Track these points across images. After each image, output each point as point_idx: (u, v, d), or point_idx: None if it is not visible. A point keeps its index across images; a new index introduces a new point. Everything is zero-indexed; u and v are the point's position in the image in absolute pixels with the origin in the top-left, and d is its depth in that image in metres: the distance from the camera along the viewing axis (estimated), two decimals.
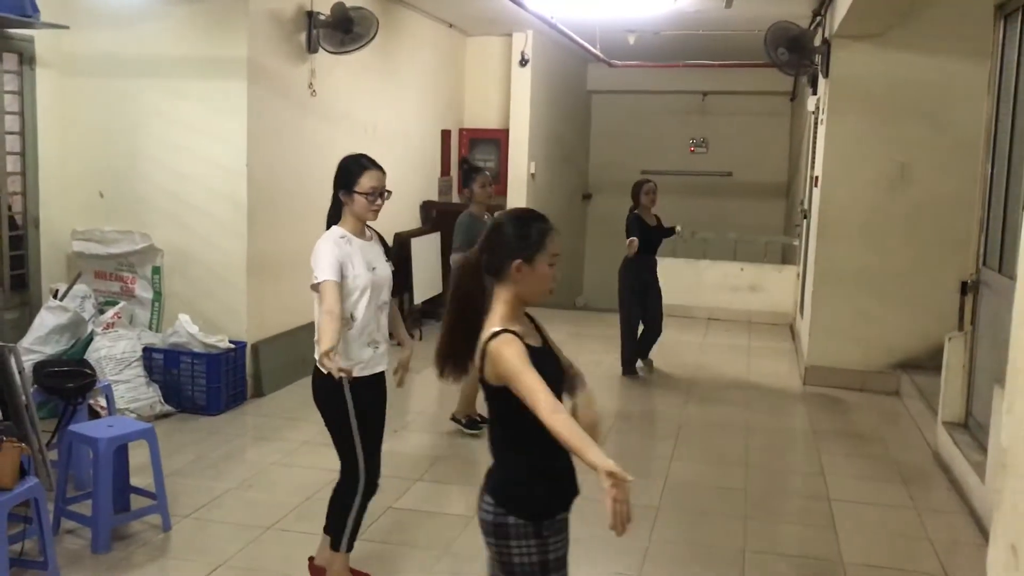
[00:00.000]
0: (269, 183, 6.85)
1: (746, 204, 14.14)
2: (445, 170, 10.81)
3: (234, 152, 6.58)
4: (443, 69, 10.60)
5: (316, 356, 3.62)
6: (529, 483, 2.58)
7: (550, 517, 2.58)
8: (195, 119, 6.64)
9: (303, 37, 7.20)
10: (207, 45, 6.57)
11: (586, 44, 9.98)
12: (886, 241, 7.49)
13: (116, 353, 6.16)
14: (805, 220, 9.43)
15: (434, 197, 10.45)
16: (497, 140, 11.25)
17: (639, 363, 7.88)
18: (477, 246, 2.64)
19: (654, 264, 7.81)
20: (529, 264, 2.53)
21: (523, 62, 10.95)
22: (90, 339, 6.17)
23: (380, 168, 3.76)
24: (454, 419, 6.23)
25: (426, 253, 9.51)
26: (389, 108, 9.05)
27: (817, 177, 8.10)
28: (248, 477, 5.29)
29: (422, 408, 7.28)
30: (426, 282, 9.49)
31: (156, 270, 6.79)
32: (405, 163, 9.58)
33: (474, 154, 11.26)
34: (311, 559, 4.01)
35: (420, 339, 9.06)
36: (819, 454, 6.07)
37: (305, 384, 5.69)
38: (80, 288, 6.38)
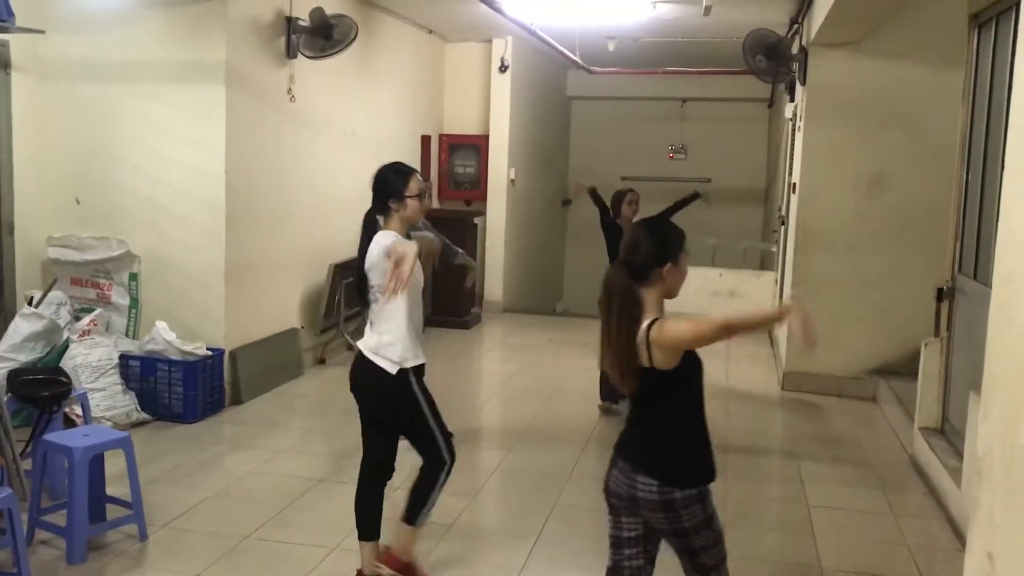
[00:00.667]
0: (248, 189, 6.81)
1: (725, 210, 14.16)
2: (425, 176, 10.78)
3: (212, 157, 6.54)
4: (423, 75, 10.60)
5: (382, 348, 3.86)
6: (691, 460, 2.96)
7: (706, 484, 2.99)
8: (173, 124, 6.59)
9: (282, 42, 7.18)
10: (185, 50, 6.53)
11: (565, 51, 10.00)
12: (863, 247, 7.54)
13: (92, 361, 6.10)
14: (783, 226, 9.48)
15: None
16: (477, 146, 11.25)
17: (616, 404, 6.73)
18: (619, 262, 2.99)
19: None
20: (676, 264, 2.93)
21: (503, 68, 10.97)
22: (65, 346, 6.12)
23: (417, 171, 4.07)
24: None
25: None
26: (369, 114, 9.03)
27: (795, 184, 8.15)
28: (226, 486, 5.24)
29: None
30: None
31: (133, 276, 6.74)
32: None
33: (454, 159, 11.26)
34: (387, 548, 4.08)
35: None
36: (797, 460, 6.10)
37: (283, 391, 5.70)
38: (55, 295, 6.32)
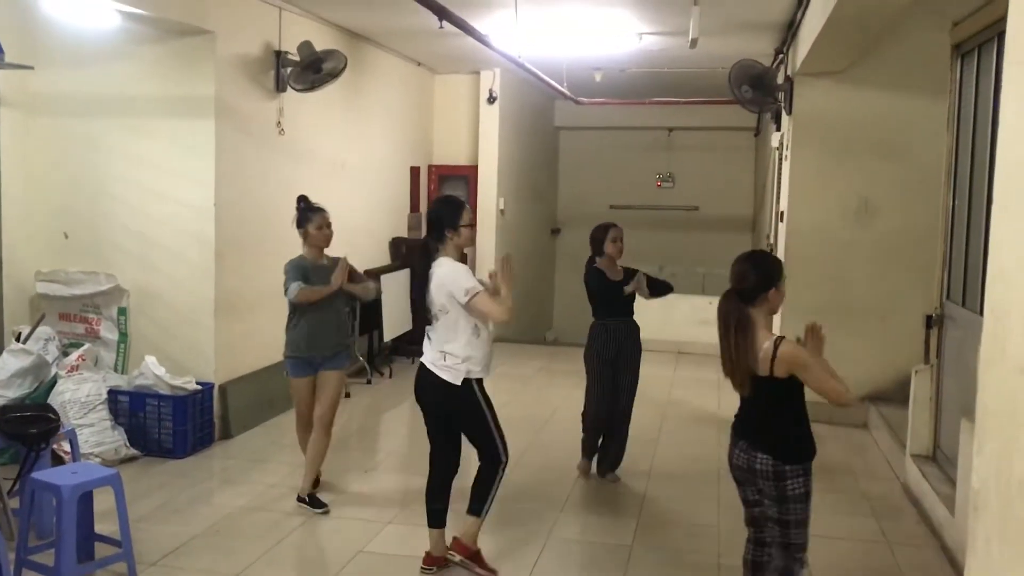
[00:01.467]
0: (237, 222, 6.81)
1: (713, 238, 14.27)
2: (414, 207, 10.82)
3: (201, 191, 6.54)
4: (412, 106, 10.65)
5: (450, 362, 4.40)
6: (796, 442, 3.68)
7: (808, 461, 3.69)
8: (162, 159, 6.60)
9: (271, 76, 7.21)
10: (174, 84, 6.55)
11: (553, 82, 10.06)
12: (851, 274, 7.58)
13: (80, 396, 6.06)
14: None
15: (403, 234, 10.45)
16: (466, 176, 11.29)
17: (608, 473, 6.17)
18: (729, 291, 3.71)
19: (629, 330, 6.04)
20: (777, 289, 3.68)
21: (491, 99, 11.04)
22: (54, 382, 6.07)
23: (467, 203, 4.60)
24: (301, 500, 5.49)
25: (396, 290, 9.49)
26: (358, 145, 9.06)
27: (782, 212, 8.20)
28: (216, 522, 5.19)
29: (392, 448, 7.22)
30: (396, 319, 9.46)
31: (122, 311, 6.71)
32: (374, 200, 9.59)
33: (443, 190, 11.29)
34: (456, 538, 4.66)
35: (391, 376, 9.01)
36: None
37: (273, 424, 5.67)
38: (44, 330, 6.28)
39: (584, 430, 6.23)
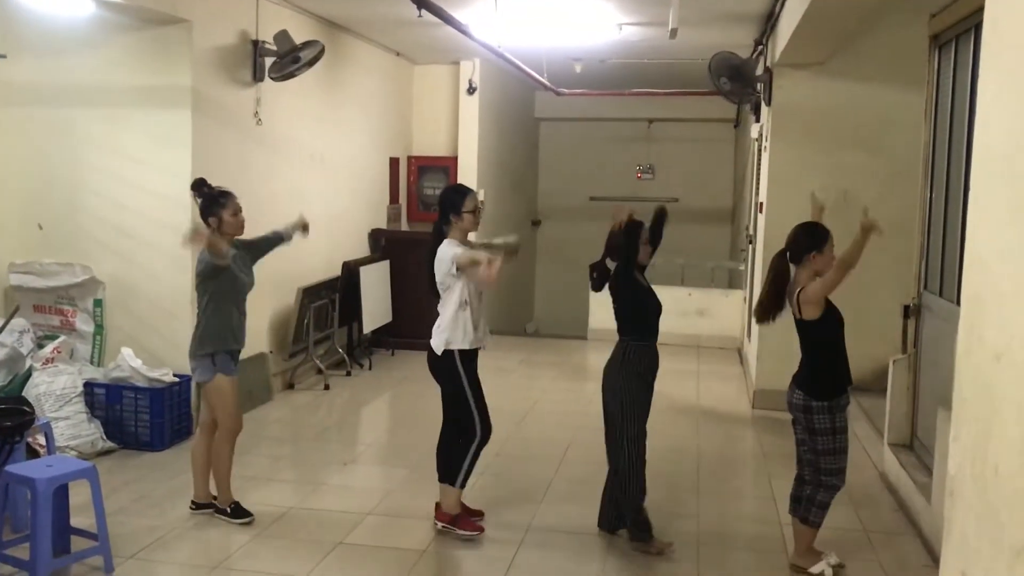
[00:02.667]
0: None
1: (693, 230, 14.28)
2: (394, 198, 10.78)
3: (178, 182, 6.46)
4: (391, 97, 10.60)
5: (436, 333, 4.81)
6: (825, 381, 4.36)
7: (835, 398, 4.37)
8: (138, 149, 6.54)
9: (248, 65, 7.14)
10: (150, 74, 6.48)
11: (533, 72, 10.04)
12: None
13: (56, 389, 6.00)
14: (751, 245, 9.56)
15: (383, 225, 10.40)
16: (446, 167, 11.25)
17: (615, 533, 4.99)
18: (781, 251, 4.53)
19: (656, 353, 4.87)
20: (820, 253, 4.40)
21: (471, 90, 11.00)
22: (28, 375, 6.01)
23: (474, 191, 4.94)
24: (218, 510, 5.11)
25: (376, 282, 9.45)
26: (336, 136, 9.00)
27: (762, 203, 8.22)
28: (193, 514, 5.16)
29: (372, 440, 7.20)
30: (376, 311, 9.42)
31: (98, 303, 6.64)
32: (353, 191, 9.54)
33: (423, 181, 11.25)
34: (438, 504, 4.99)
35: (371, 368, 8.98)
36: (769, 478, 6.11)
37: (251, 417, 5.64)
38: (18, 322, 6.21)
39: (628, 472, 4.76)
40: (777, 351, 7.70)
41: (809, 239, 4.42)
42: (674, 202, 14.56)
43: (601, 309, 10.82)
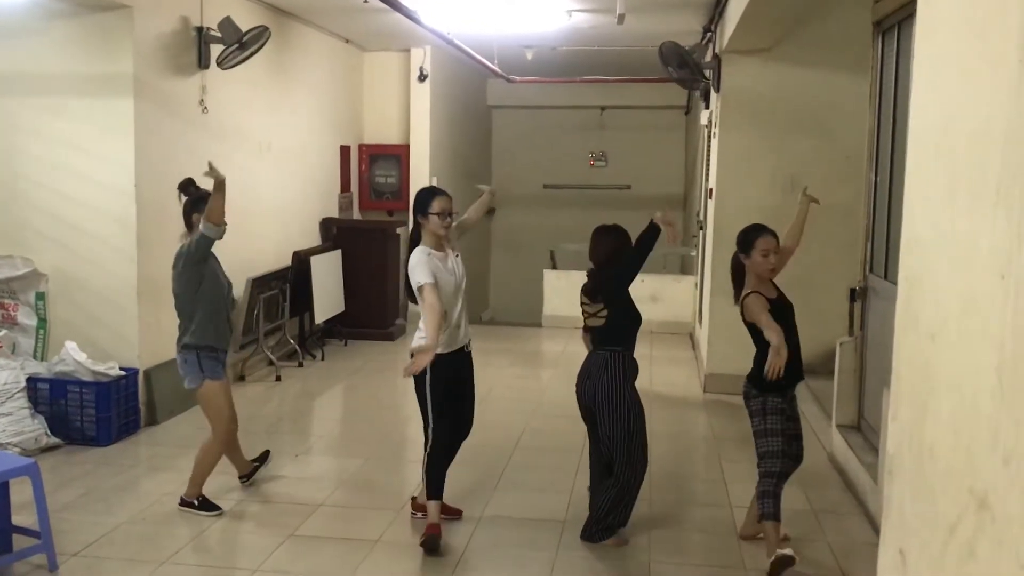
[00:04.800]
0: (160, 203, 6.61)
1: (645, 216, 14.27)
2: (345, 187, 10.68)
3: (121, 172, 6.36)
4: (341, 85, 10.48)
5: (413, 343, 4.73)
6: (762, 373, 4.34)
7: (768, 393, 4.48)
8: (78, 138, 6.39)
9: (192, 53, 7.01)
10: (90, 62, 6.33)
11: (484, 60, 10.00)
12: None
13: None
14: (702, 231, 9.63)
15: (334, 214, 10.30)
16: (398, 156, 11.17)
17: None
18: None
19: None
20: (748, 256, 4.52)
21: (422, 77, 10.91)
22: None
23: (447, 195, 4.81)
24: (184, 503, 5.07)
25: (327, 271, 9.37)
26: (285, 124, 8.89)
27: (711, 189, 8.28)
28: (141, 510, 5.07)
29: (324, 431, 7.15)
30: (328, 301, 9.34)
31: (40, 296, 6.50)
32: (303, 180, 9.43)
33: (375, 170, 11.16)
34: (413, 498, 5.06)
35: (323, 359, 8.90)
36: (720, 461, 6.17)
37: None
38: None
39: (623, 489, 4.74)
40: (728, 336, 7.78)
41: (740, 243, 4.59)
42: (626, 189, 14.67)
43: (556, 297, 10.87)
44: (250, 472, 5.43)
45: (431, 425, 4.72)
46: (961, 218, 1.62)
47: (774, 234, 4.56)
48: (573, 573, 4.46)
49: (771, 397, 4.46)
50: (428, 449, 4.76)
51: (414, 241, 4.80)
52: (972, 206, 1.55)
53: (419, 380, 4.66)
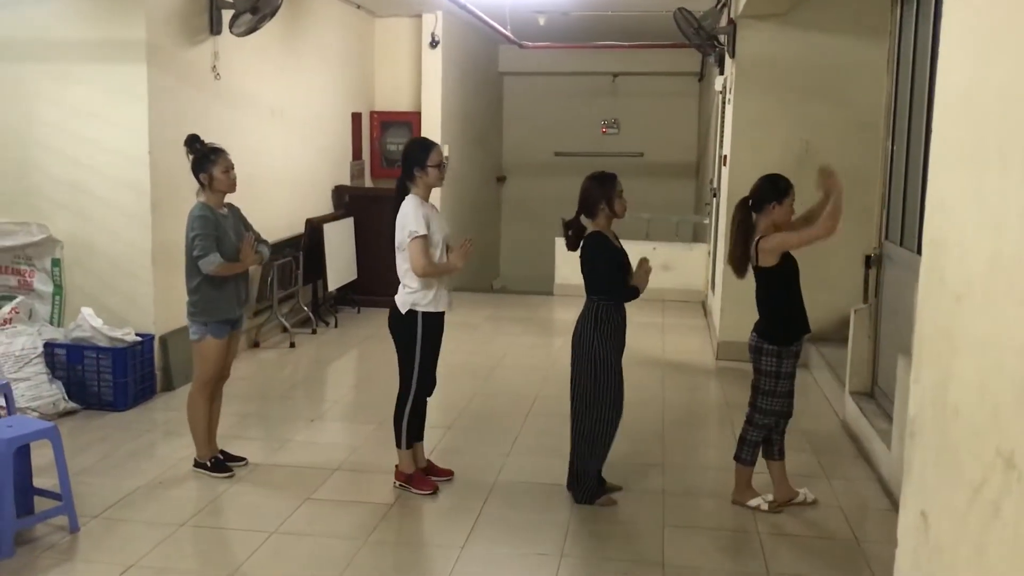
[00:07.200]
0: (173, 170, 6.59)
1: (657, 184, 14.30)
2: (356, 154, 10.65)
3: (135, 138, 6.35)
4: (352, 51, 10.43)
5: (402, 292, 4.76)
6: (776, 326, 4.55)
7: (787, 345, 4.54)
8: (92, 105, 6.38)
9: (205, 18, 6.98)
10: (103, 28, 6.31)
11: (496, 25, 9.93)
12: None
13: (15, 350, 5.90)
14: (715, 199, 9.59)
15: (346, 181, 10.29)
16: (409, 123, 11.13)
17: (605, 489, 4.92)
18: (743, 199, 4.64)
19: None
20: (780, 204, 4.54)
21: (433, 44, 10.84)
22: None
23: (439, 145, 4.81)
24: (197, 464, 5.15)
25: (340, 239, 9.37)
26: (297, 91, 8.85)
27: (725, 156, 8.23)
28: (159, 473, 5.13)
29: (338, 397, 7.19)
30: (340, 268, 9.36)
31: (56, 262, 6.53)
32: (314, 147, 9.41)
33: (386, 137, 11.12)
34: (396, 465, 5.02)
35: (336, 326, 8.94)
36: (733, 427, 6.18)
37: None
38: None
39: (595, 437, 4.75)
40: (740, 303, 7.74)
41: (771, 190, 4.55)
42: (639, 157, 14.60)
43: (567, 265, 10.84)
44: (210, 462, 5.09)
45: (412, 379, 4.80)
46: (989, 178, 1.61)
47: None
48: (588, 537, 4.49)
49: (787, 361, 4.54)
50: (409, 403, 4.82)
51: (400, 195, 4.73)
52: (1001, 165, 1.54)
53: (410, 336, 4.73)
